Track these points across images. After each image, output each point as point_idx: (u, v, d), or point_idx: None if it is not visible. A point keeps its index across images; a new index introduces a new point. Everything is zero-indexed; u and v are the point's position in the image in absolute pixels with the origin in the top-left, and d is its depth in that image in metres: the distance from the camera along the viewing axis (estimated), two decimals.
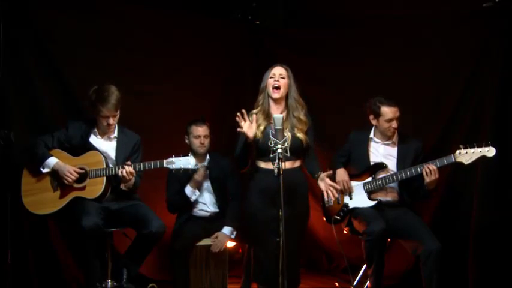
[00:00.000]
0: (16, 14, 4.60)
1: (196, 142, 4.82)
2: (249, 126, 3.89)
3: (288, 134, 3.94)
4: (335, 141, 5.12)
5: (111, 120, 4.29)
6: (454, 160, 4.21)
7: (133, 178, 4.28)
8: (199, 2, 5.65)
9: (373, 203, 4.49)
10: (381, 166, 4.51)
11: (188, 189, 4.79)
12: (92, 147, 4.33)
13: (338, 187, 4.19)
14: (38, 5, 4.75)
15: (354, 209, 4.54)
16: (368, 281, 4.45)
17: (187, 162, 4.25)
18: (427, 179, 4.23)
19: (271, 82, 4.00)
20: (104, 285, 4.33)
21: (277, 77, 3.99)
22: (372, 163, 4.55)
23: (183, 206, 4.84)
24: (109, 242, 4.46)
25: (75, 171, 4.23)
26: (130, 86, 4.82)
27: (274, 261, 3.72)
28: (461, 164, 4.20)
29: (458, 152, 4.20)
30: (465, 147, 4.18)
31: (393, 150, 4.54)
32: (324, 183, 3.95)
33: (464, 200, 4.88)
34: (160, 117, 5.33)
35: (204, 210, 4.88)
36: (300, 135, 4.00)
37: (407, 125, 4.77)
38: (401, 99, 4.63)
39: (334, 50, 5.69)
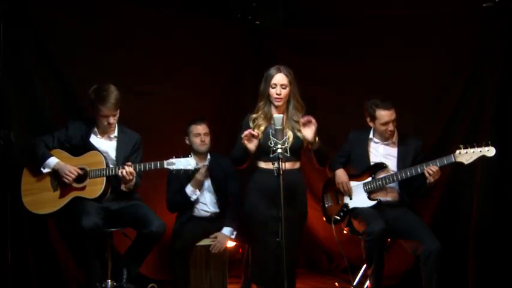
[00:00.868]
0: (16, 14, 4.60)
1: (196, 140, 4.82)
2: (253, 141, 3.89)
3: (289, 134, 3.95)
4: (335, 141, 5.12)
5: (111, 120, 4.29)
6: (454, 160, 4.21)
7: (134, 179, 4.28)
8: (199, 2, 5.65)
9: (373, 203, 4.49)
10: (381, 166, 4.51)
11: (189, 189, 4.79)
12: (92, 147, 4.33)
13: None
14: (38, 5, 4.75)
15: (354, 209, 4.54)
16: (368, 281, 4.45)
17: (187, 163, 4.25)
18: (431, 179, 4.23)
19: (273, 93, 3.99)
20: (104, 285, 4.33)
21: (279, 88, 3.97)
22: (372, 163, 4.55)
23: (183, 206, 4.84)
24: (109, 242, 4.46)
25: (75, 170, 4.23)
26: (130, 86, 4.82)
27: (273, 261, 3.72)
28: (461, 164, 4.20)
29: (458, 151, 4.20)
30: (465, 147, 4.18)
31: (393, 150, 4.54)
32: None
33: (464, 200, 4.88)
34: (160, 117, 5.33)
35: (204, 210, 4.88)
36: (301, 134, 4.00)
37: (407, 125, 4.78)
38: (401, 99, 4.64)
39: (334, 50, 5.69)
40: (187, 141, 4.87)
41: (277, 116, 3.72)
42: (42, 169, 4.24)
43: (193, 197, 4.80)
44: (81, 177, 4.26)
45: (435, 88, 5.12)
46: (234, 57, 5.94)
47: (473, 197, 4.74)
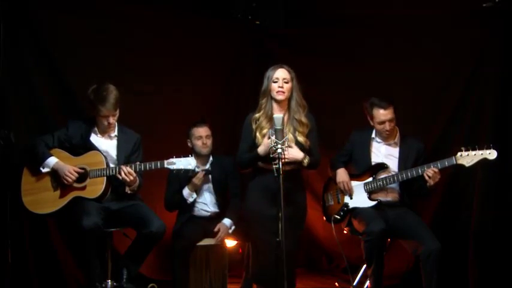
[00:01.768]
0: (16, 14, 4.60)
1: (198, 143, 4.82)
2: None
3: (290, 136, 3.94)
4: (335, 141, 5.12)
5: (111, 119, 4.29)
6: (455, 162, 4.20)
7: (138, 180, 4.28)
8: (200, 2, 5.65)
9: (373, 203, 4.49)
10: (382, 166, 4.50)
11: (186, 191, 4.79)
12: (93, 147, 4.33)
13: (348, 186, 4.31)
14: (38, 5, 4.74)
15: (354, 208, 4.54)
16: (368, 281, 4.45)
17: (187, 163, 4.25)
18: (431, 182, 4.22)
19: (275, 87, 3.99)
20: (104, 285, 4.33)
21: (281, 82, 3.97)
22: (373, 163, 4.55)
23: (179, 206, 4.85)
24: (109, 242, 4.46)
25: (75, 171, 4.23)
26: (130, 86, 4.82)
27: (273, 261, 3.72)
28: (462, 166, 4.19)
29: (459, 154, 4.19)
30: (466, 150, 4.17)
31: (395, 151, 4.53)
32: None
33: (464, 200, 4.88)
34: (161, 117, 5.33)
35: (205, 210, 4.89)
36: (301, 138, 4.00)
37: (407, 125, 4.77)
38: (401, 99, 4.64)
39: (334, 50, 5.69)
40: (189, 144, 4.87)
41: (277, 116, 3.71)
42: (41, 169, 4.24)
43: (190, 200, 4.81)
44: (82, 177, 4.25)
45: (435, 88, 5.12)
46: (234, 57, 5.95)
47: (474, 197, 4.74)
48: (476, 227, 4.69)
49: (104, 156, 4.30)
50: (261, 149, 3.92)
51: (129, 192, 4.35)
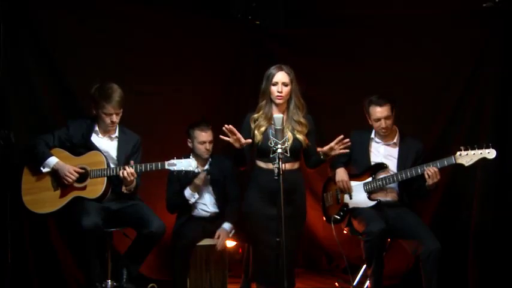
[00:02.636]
0: (16, 14, 4.60)
1: (201, 148, 4.79)
2: (236, 140, 3.87)
3: (288, 134, 3.95)
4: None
5: (114, 118, 4.30)
6: (454, 162, 4.20)
7: (135, 180, 4.28)
8: (200, 2, 5.65)
9: (373, 203, 4.49)
10: (381, 166, 4.51)
11: (187, 192, 4.79)
12: (94, 146, 4.33)
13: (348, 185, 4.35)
14: (38, 5, 4.74)
15: (354, 209, 4.54)
16: (368, 281, 4.45)
17: (188, 164, 4.26)
18: (430, 181, 4.23)
19: (274, 91, 3.99)
20: (104, 285, 4.33)
21: (280, 86, 3.97)
22: (372, 163, 4.55)
23: (181, 207, 4.84)
24: (109, 242, 4.46)
25: (76, 171, 4.22)
26: (130, 86, 4.81)
27: (273, 260, 3.72)
28: (461, 165, 4.19)
29: (458, 153, 4.19)
30: (466, 149, 4.17)
31: (394, 151, 4.53)
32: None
33: (464, 200, 4.88)
34: (161, 117, 5.33)
35: (204, 211, 4.88)
36: (300, 136, 4.01)
37: (407, 125, 4.77)
38: (401, 99, 4.63)
39: (334, 50, 5.69)
40: (189, 144, 4.85)
41: (277, 116, 3.71)
42: (42, 168, 4.24)
43: (192, 200, 4.80)
44: (82, 177, 4.26)
45: (435, 88, 5.12)
46: (234, 57, 5.95)
47: (473, 197, 4.74)
48: (476, 227, 4.69)
49: (105, 156, 4.30)
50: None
51: (125, 191, 4.34)
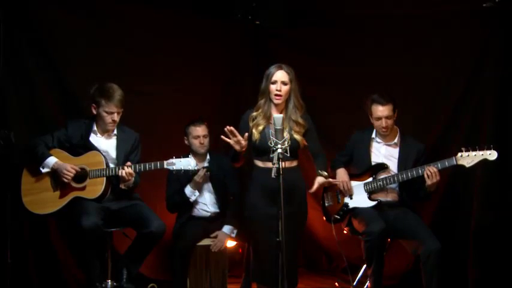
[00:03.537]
0: (16, 14, 4.60)
1: (195, 142, 4.82)
2: (237, 142, 3.87)
3: (285, 135, 3.94)
4: (335, 141, 5.12)
5: (115, 116, 4.30)
6: (455, 163, 4.20)
7: (133, 178, 4.28)
8: (200, 2, 5.64)
9: (373, 203, 4.49)
10: (382, 167, 4.51)
11: (188, 190, 4.79)
12: (93, 147, 4.33)
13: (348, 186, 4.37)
14: (38, 5, 4.74)
15: (354, 209, 4.54)
16: (368, 281, 4.45)
17: (187, 163, 4.26)
18: (429, 181, 4.22)
19: (273, 90, 4.00)
20: (104, 285, 4.34)
21: (279, 85, 3.98)
22: (373, 163, 4.55)
23: (182, 206, 4.84)
24: (109, 242, 4.46)
25: (74, 169, 4.22)
26: (130, 86, 4.81)
27: (273, 260, 3.72)
28: (462, 166, 4.19)
29: (459, 154, 4.19)
30: (467, 150, 4.17)
31: (395, 151, 4.53)
32: (319, 183, 4.00)
33: (464, 200, 4.87)
34: (160, 117, 5.32)
35: (205, 210, 4.89)
36: (297, 136, 4.01)
37: (408, 125, 4.77)
38: (401, 99, 4.63)
39: (334, 49, 5.68)
40: (186, 142, 4.88)
41: (277, 116, 3.71)
42: (41, 169, 4.24)
43: (192, 198, 4.81)
44: (82, 177, 4.26)
45: (435, 88, 5.12)
46: (234, 57, 5.94)
47: (473, 197, 4.74)
48: (476, 227, 4.69)
49: (104, 156, 4.30)
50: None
51: (122, 187, 4.34)
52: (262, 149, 3.96)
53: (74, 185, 4.25)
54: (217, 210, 4.89)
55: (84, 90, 4.52)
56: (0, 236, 4.32)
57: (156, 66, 5.35)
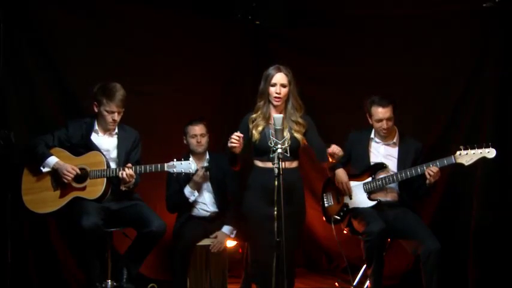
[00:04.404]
0: (16, 14, 4.60)
1: (193, 141, 4.83)
2: (238, 147, 3.86)
3: (286, 134, 3.95)
4: (334, 141, 5.10)
5: (116, 116, 4.31)
6: (454, 161, 4.21)
7: (133, 180, 4.29)
8: (200, 2, 5.65)
9: (373, 203, 4.49)
10: (381, 166, 4.51)
11: (187, 190, 4.79)
12: (93, 146, 4.33)
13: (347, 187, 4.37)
14: (38, 5, 4.75)
15: (354, 209, 4.54)
16: (368, 281, 4.45)
17: (188, 166, 4.27)
18: (431, 179, 4.23)
19: (272, 92, 4.00)
20: (104, 285, 4.33)
21: (279, 87, 3.98)
22: (372, 163, 4.55)
23: (181, 206, 4.85)
24: (109, 242, 4.46)
25: (74, 170, 4.22)
26: (130, 86, 4.81)
27: (272, 260, 3.72)
28: (461, 165, 4.19)
29: (458, 153, 4.19)
30: (465, 148, 4.17)
31: (394, 151, 4.54)
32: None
33: (464, 200, 4.87)
34: (160, 117, 5.33)
35: (204, 210, 4.89)
36: (298, 135, 4.01)
37: (407, 125, 4.77)
38: (401, 99, 4.64)
39: (334, 49, 5.69)
40: (185, 142, 4.88)
41: (277, 116, 3.71)
42: (41, 168, 4.24)
43: (192, 199, 4.81)
44: (82, 178, 4.26)
45: (435, 88, 5.12)
46: (234, 57, 5.94)
47: (473, 197, 4.74)
48: (476, 227, 4.69)
49: (105, 156, 4.31)
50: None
51: (123, 189, 4.35)
52: (262, 149, 3.96)
53: (74, 185, 4.25)
54: (217, 210, 4.89)
55: (84, 90, 4.53)
56: (0, 236, 4.32)
57: (156, 66, 5.35)
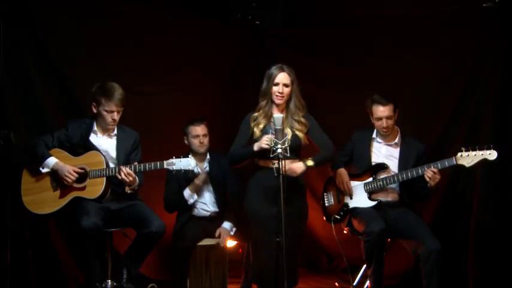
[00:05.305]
0: (16, 14, 4.61)
1: (195, 142, 4.82)
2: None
3: (288, 132, 3.95)
4: (335, 141, 5.08)
5: (115, 115, 4.30)
6: (455, 163, 4.20)
7: (137, 179, 4.28)
8: (200, 2, 5.65)
9: (373, 203, 4.49)
10: (382, 167, 4.50)
11: (187, 192, 4.79)
12: (93, 146, 4.33)
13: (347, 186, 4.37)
14: (38, 5, 4.75)
15: (354, 208, 4.53)
16: (368, 281, 4.45)
17: (187, 163, 4.26)
18: (431, 182, 4.22)
19: (275, 91, 4.00)
20: (104, 285, 4.33)
21: (281, 87, 3.99)
22: (373, 163, 4.55)
23: (180, 207, 4.84)
24: (109, 242, 4.46)
25: (75, 171, 4.23)
26: (130, 86, 4.82)
27: (273, 261, 3.72)
28: (462, 166, 4.19)
29: (459, 154, 4.18)
30: (466, 150, 4.16)
31: (395, 151, 4.53)
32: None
33: (464, 200, 4.88)
34: (160, 117, 5.33)
35: (204, 210, 4.89)
36: (299, 133, 4.01)
37: (408, 125, 4.77)
38: (401, 99, 4.63)
39: (334, 50, 5.69)
40: (186, 142, 4.88)
41: (277, 116, 3.72)
42: (41, 169, 4.24)
43: (191, 201, 4.81)
44: (82, 177, 4.26)
45: (435, 88, 5.12)
46: (234, 57, 5.95)
47: (473, 197, 4.74)
48: (476, 227, 4.69)
49: (104, 156, 4.30)
50: (256, 145, 3.93)
51: (129, 191, 4.35)
52: (263, 149, 3.95)
53: (74, 185, 4.25)
54: (217, 210, 4.89)
55: (84, 90, 4.52)
56: (0, 236, 4.31)
57: (156, 66, 5.36)
